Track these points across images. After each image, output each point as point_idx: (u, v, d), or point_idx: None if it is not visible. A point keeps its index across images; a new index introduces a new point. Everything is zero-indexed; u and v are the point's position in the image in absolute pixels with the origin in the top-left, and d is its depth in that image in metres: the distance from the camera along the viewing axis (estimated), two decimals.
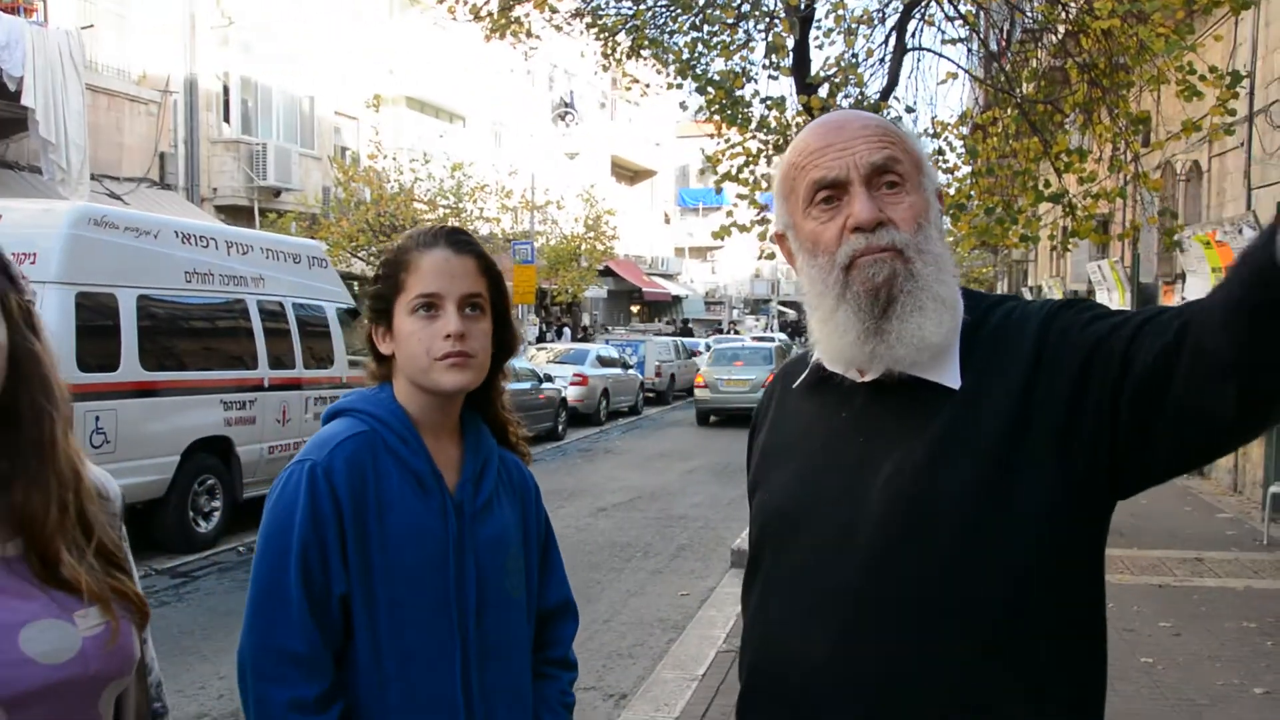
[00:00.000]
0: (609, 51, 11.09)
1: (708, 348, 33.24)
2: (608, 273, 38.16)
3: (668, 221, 53.70)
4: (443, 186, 24.20)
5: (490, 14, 10.27)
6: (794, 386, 1.70)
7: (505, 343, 1.92)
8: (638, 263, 45.29)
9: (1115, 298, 17.23)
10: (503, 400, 2.01)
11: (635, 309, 45.01)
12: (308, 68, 23.97)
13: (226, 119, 22.22)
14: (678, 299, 49.68)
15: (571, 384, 20.14)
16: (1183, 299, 13.89)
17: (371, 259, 22.98)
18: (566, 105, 35.16)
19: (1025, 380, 1.44)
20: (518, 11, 10.40)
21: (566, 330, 32.18)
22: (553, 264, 30.53)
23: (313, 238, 17.26)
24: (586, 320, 38.76)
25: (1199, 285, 13.20)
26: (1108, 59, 10.06)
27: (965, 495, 1.42)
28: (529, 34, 10.94)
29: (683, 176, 60.98)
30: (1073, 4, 10.03)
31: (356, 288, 21.94)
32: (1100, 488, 1.44)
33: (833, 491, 1.53)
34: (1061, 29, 10.26)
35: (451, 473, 1.87)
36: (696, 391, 21.95)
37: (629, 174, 47.12)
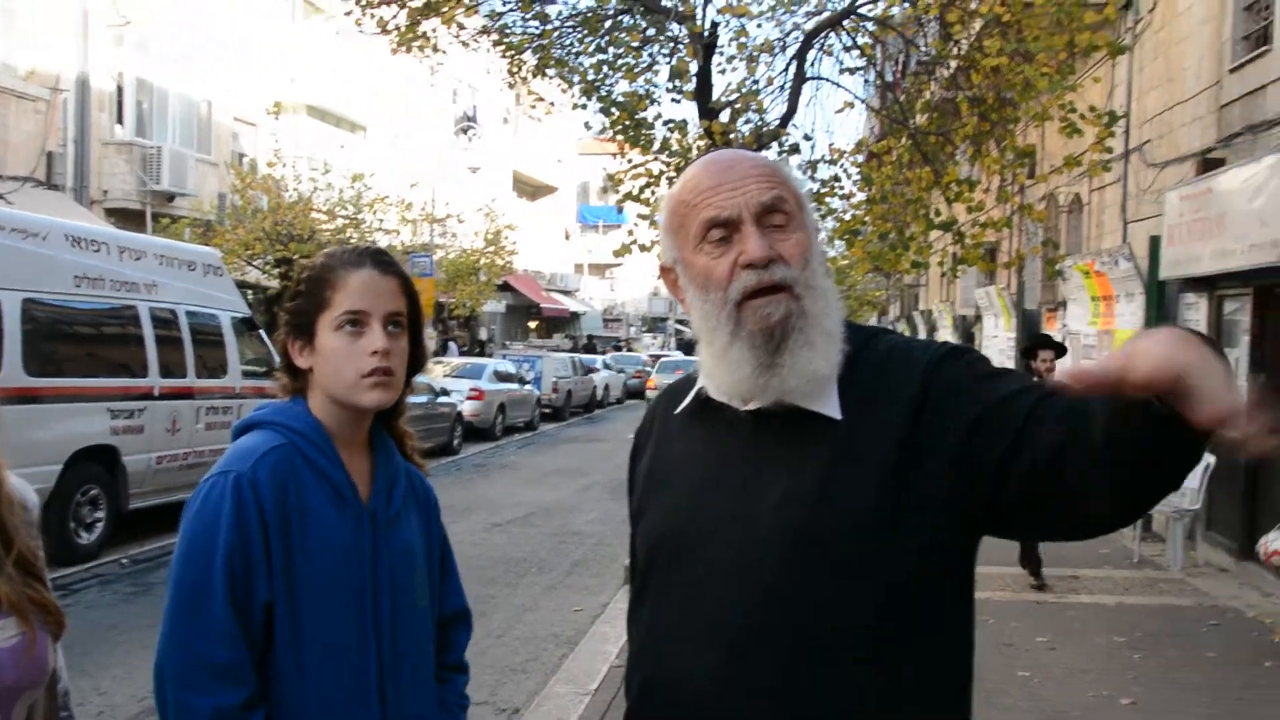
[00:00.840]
0: (515, 69, 11.14)
1: (606, 365, 33.44)
2: (506, 288, 38.05)
3: (568, 238, 53.79)
4: (342, 196, 23.91)
5: (398, 28, 10.25)
6: (676, 413, 1.74)
7: (416, 359, 1.98)
8: (537, 278, 45.24)
9: (1001, 323, 17.81)
10: (404, 415, 2.08)
11: (533, 324, 44.93)
12: (207, 71, 23.50)
13: (120, 120, 21.65)
14: (576, 315, 49.75)
15: (468, 398, 20.05)
16: (1064, 326, 14.45)
17: (268, 268, 22.58)
18: (469, 119, 35.02)
19: (910, 419, 1.52)
20: (425, 27, 10.39)
21: (452, 345, 31.85)
22: (451, 278, 30.35)
23: (207, 245, 16.91)
24: (484, 335, 38.57)
25: (1079, 313, 13.76)
26: (996, 94, 10.44)
27: (849, 523, 1.49)
28: (435, 49, 10.94)
29: (584, 193, 61.14)
30: (964, 41, 10.39)
31: (251, 296, 21.57)
32: (974, 530, 1.56)
33: (721, 517, 1.58)
34: (953, 64, 10.61)
35: (364, 484, 1.93)
36: (648, 393, 26.21)
37: (530, 189, 47.08)
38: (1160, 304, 11.08)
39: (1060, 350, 9.37)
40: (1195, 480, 9.45)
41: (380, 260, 1.92)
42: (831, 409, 1.56)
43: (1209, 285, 10.08)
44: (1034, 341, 9.71)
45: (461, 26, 10.84)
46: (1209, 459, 9.49)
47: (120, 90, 21.63)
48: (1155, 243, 10.84)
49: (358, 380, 1.84)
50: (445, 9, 10.27)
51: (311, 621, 1.80)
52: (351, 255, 1.92)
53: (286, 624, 1.80)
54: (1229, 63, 9.89)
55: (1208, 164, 10.09)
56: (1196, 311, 10.47)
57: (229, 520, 1.76)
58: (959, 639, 1.60)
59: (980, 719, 1.67)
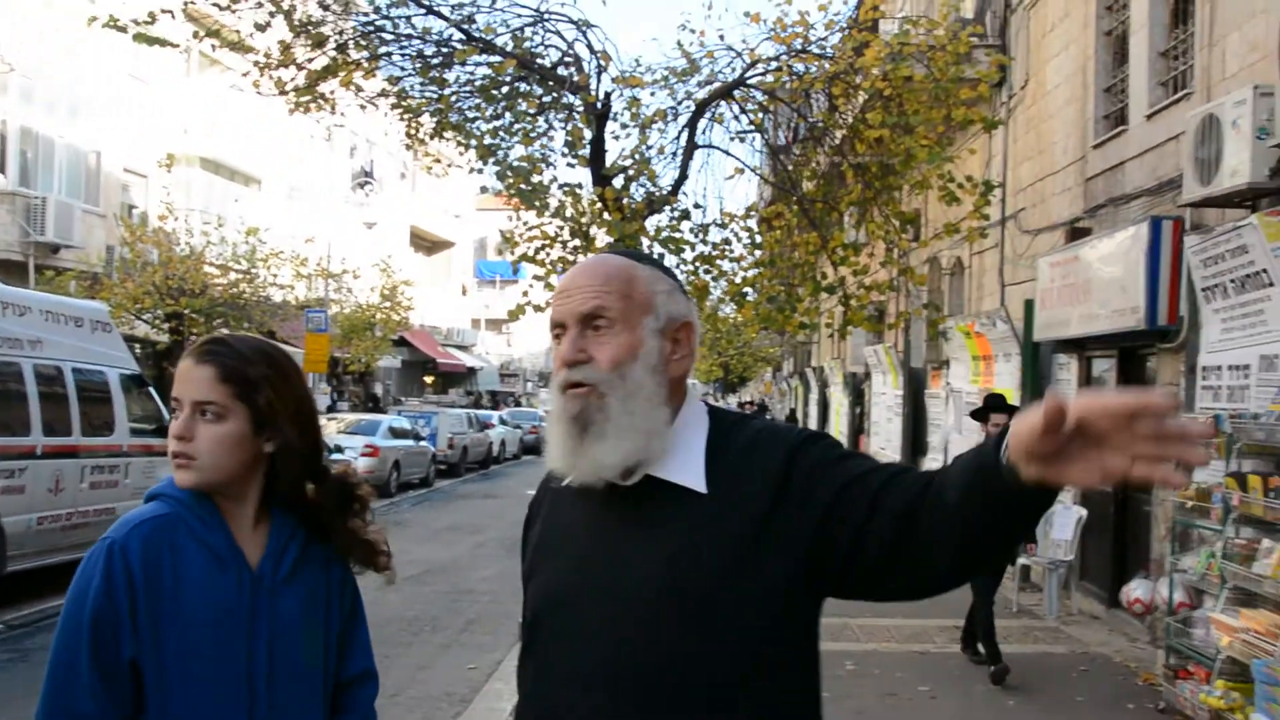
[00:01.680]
0: (413, 131, 11.27)
1: (502, 421, 33.39)
2: (402, 343, 37.81)
3: (465, 293, 53.69)
4: (236, 251, 23.64)
5: (296, 88, 10.33)
6: (563, 486, 1.93)
7: (290, 445, 2.06)
8: (433, 333, 45.03)
9: (889, 380, 18.37)
10: (323, 496, 2.16)
11: (429, 380, 44.62)
12: (96, 122, 23.13)
13: (2, 170, 21.17)
14: (473, 370, 49.54)
15: (362, 455, 19.85)
16: (947, 384, 14.98)
17: (158, 322, 22.16)
18: (366, 174, 34.93)
19: (774, 495, 1.73)
20: (323, 87, 10.49)
21: (340, 401, 31.38)
22: (347, 333, 30.10)
23: (94, 298, 16.59)
24: (379, 390, 38.19)
25: (961, 371, 14.29)
26: (879, 163, 10.91)
27: (711, 588, 1.71)
28: (334, 110, 11.03)
29: (481, 249, 61.17)
30: (849, 112, 10.84)
31: (140, 351, 21.16)
32: (824, 593, 1.78)
33: (601, 580, 1.77)
34: (839, 133, 11.05)
35: (256, 547, 2.06)
36: None
37: (427, 245, 47.00)
38: (1035, 364, 11.62)
39: (1015, 412, 8.63)
40: (1069, 533, 9.90)
41: (204, 351, 2.05)
42: (697, 483, 1.77)
43: (1079, 346, 10.62)
44: (989, 403, 8.62)
45: (359, 89, 10.96)
46: (1082, 512, 9.97)
47: (3, 139, 21.16)
48: (1029, 306, 11.39)
49: (171, 458, 2.02)
50: (343, 72, 10.39)
51: (180, 680, 1.93)
52: (194, 344, 2.10)
53: (155, 686, 1.93)
54: (1092, 139, 10.52)
55: (1076, 232, 10.67)
56: (1068, 371, 11.01)
57: (99, 584, 1.92)
58: (807, 688, 1.82)
59: None
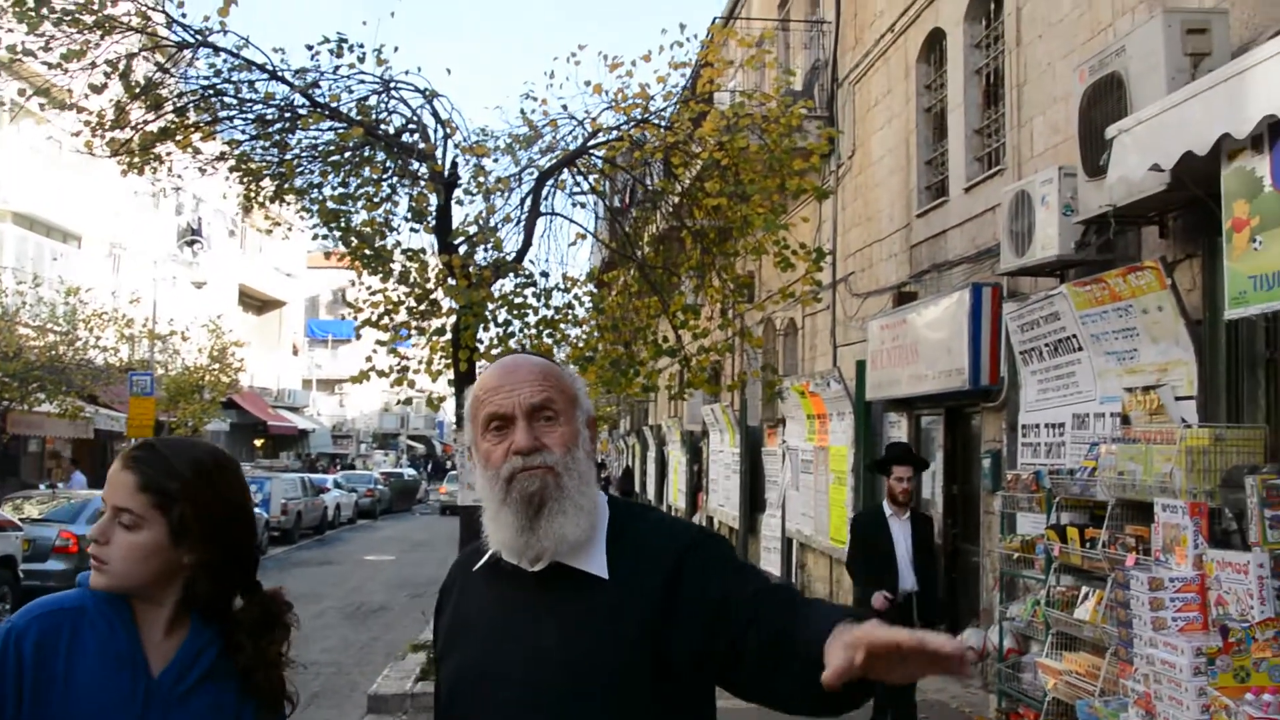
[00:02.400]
0: (252, 194, 11.10)
1: (337, 484, 32.61)
2: (231, 405, 36.63)
3: (296, 353, 52.39)
4: (55, 311, 22.59)
5: (130, 150, 10.08)
6: (474, 571, 2.06)
7: (209, 560, 2.05)
8: (264, 395, 43.76)
9: (726, 438, 18.77)
10: (245, 612, 2.13)
11: (259, 443, 43.27)
12: None
13: None
14: (305, 433, 48.30)
15: None
16: (784, 442, 15.42)
17: None
18: (194, 232, 33.92)
19: (667, 587, 1.86)
20: (160, 149, 10.27)
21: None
22: (173, 396, 28.97)
23: None
24: None
25: (797, 430, 14.75)
26: (717, 230, 11.29)
27: (614, 669, 1.84)
28: (170, 171, 10.81)
29: (313, 307, 59.95)
30: (686, 179, 11.21)
31: None
32: (715, 680, 1.91)
33: (512, 661, 1.90)
34: (674, 199, 11.41)
35: (163, 655, 2.03)
36: (443, 496, 33.58)
37: (257, 304, 45.79)
38: (868, 422, 12.11)
39: (921, 464, 8.35)
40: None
41: (130, 456, 2.05)
42: (599, 569, 1.91)
43: (909, 405, 11.15)
44: (891, 454, 8.09)
45: (197, 151, 10.78)
46: None
47: None
48: (861, 367, 11.90)
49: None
50: (180, 135, 10.21)
51: None
52: (128, 448, 2.12)
53: None
54: (916, 208, 11.14)
55: (903, 296, 11.24)
56: (899, 429, 11.52)
57: None
58: None
59: None
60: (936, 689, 9.31)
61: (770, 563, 15.70)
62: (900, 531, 7.54)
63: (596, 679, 1.83)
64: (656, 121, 10.76)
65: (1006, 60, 9.27)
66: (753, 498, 17.42)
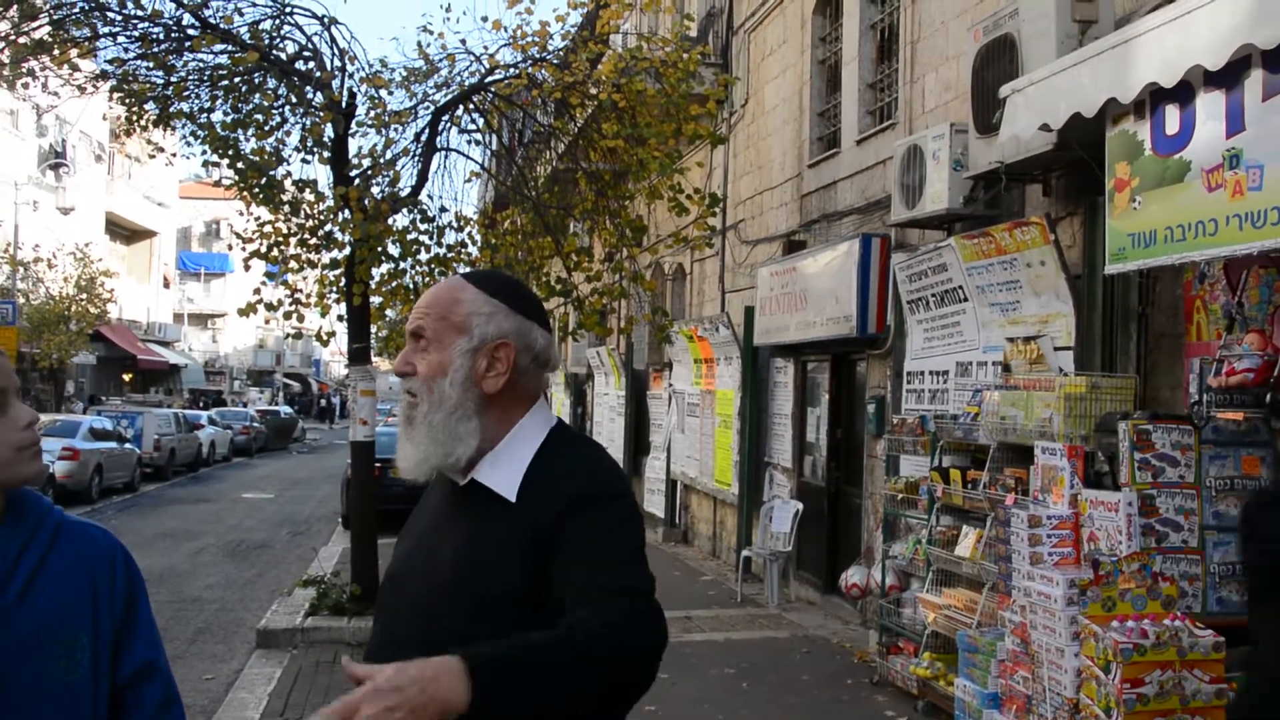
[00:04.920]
0: (135, 117, 10.71)
1: (212, 421, 31.88)
2: (99, 338, 35.38)
3: (168, 285, 50.74)
4: None
5: (1, 63, 9.62)
6: (434, 481, 2.17)
7: None
8: (133, 328, 42.35)
9: (612, 381, 18.95)
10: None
11: (128, 377, 41.93)
12: None
13: None
14: (176, 368, 46.93)
15: (60, 458, 18.55)
16: (670, 385, 15.65)
17: None
18: (58, 155, 32.50)
19: (553, 523, 1.89)
20: (34, 64, 9.79)
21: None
22: (37, 326, 27.89)
23: None
24: (71, 389, 35.54)
25: (684, 374, 14.99)
26: (612, 172, 11.33)
27: (489, 586, 1.90)
28: (45, 88, 10.35)
29: (185, 239, 58.05)
30: (581, 118, 11.19)
31: None
32: None
33: (420, 564, 2.04)
34: (567, 140, 11.38)
35: None
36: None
37: (126, 234, 44.14)
38: (754, 368, 12.39)
39: None
40: (786, 525, 10.66)
41: None
42: (509, 492, 1.99)
43: (795, 352, 11.44)
44: None
45: (75, 69, 10.34)
46: (798, 506, 10.75)
47: None
48: (750, 313, 12.14)
49: (16, 454, 1.94)
50: (58, 50, 9.77)
51: None
52: None
53: None
54: (808, 159, 11.35)
55: (792, 245, 11.49)
56: (785, 375, 11.82)
57: None
58: None
59: None
60: (818, 625, 9.68)
61: (655, 505, 15.99)
62: None
63: (475, 594, 1.91)
64: (554, 60, 10.72)
65: (901, 17, 9.48)
66: (637, 440, 17.65)
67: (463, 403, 2.00)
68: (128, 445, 22.46)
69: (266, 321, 58.64)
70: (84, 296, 29.49)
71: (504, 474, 2.00)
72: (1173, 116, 4.83)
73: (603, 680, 1.77)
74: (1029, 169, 6.85)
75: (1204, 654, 4.56)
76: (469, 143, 11.55)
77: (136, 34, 9.93)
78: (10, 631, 1.89)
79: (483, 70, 10.51)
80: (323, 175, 10.40)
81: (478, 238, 11.51)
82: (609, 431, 19.18)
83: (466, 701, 1.64)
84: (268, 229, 10.34)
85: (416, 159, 10.44)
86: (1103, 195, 5.49)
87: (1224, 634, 4.58)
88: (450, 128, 10.89)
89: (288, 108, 10.12)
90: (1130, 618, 4.72)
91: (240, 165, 10.01)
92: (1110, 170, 5.36)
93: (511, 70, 10.59)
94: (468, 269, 11.22)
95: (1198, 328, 5.77)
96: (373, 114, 9.84)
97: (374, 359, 11.23)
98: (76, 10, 9.78)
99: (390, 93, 10.27)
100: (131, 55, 10.09)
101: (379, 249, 9.56)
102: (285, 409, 47.13)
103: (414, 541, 2.11)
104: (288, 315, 10.42)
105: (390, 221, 9.88)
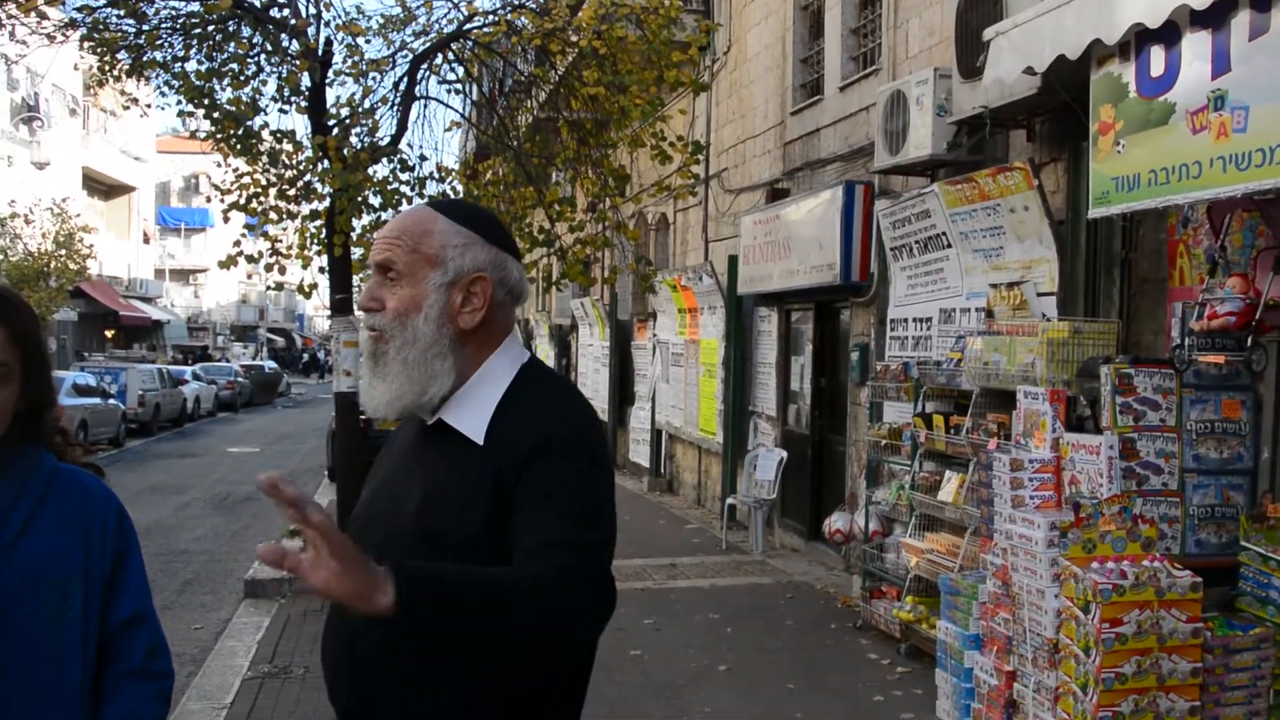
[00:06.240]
0: (107, 68, 10.55)
1: (196, 376, 31.77)
2: (80, 294, 35.10)
3: (148, 241, 50.30)
4: None
5: None
6: (402, 421, 2.11)
7: (44, 400, 2.07)
8: (114, 284, 42.03)
9: (596, 332, 18.93)
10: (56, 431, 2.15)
11: (110, 334, 41.66)
12: None
13: None
14: (159, 324, 46.64)
15: None
16: (654, 335, 15.64)
17: None
18: (30, 109, 32.05)
19: (517, 469, 1.81)
20: None
21: None
22: (16, 283, 27.62)
23: None
24: (53, 346, 35.33)
25: (668, 324, 14.98)
26: (594, 121, 11.24)
27: (450, 531, 1.82)
28: (13, 36, 10.18)
29: (164, 194, 57.44)
30: (561, 65, 11.08)
31: None
32: None
33: (384, 507, 1.97)
34: (548, 88, 11.28)
35: None
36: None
37: (104, 189, 43.63)
38: (738, 316, 12.38)
39: None
40: (771, 473, 10.71)
41: None
42: (476, 434, 1.89)
43: (779, 300, 11.43)
44: None
45: (44, 17, 10.17)
46: (782, 454, 10.79)
47: None
48: (733, 262, 12.11)
49: None
50: None
51: None
52: None
53: None
54: (791, 106, 11.27)
55: (775, 193, 11.43)
56: (769, 323, 11.82)
57: None
58: None
59: (599, 694, 2.08)
60: (802, 572, 9.76)
61: (640, 454, 16.05)
62: None
63: (435, 539, 1.84)
64: (533, 7, 10.59)
65: None
66: (622, 390, 17.67)
67: (438, 340, 1.91)
68: (112, 401, 22.38)
69: (249, 276, 58.32)
70: (63, 253, 29.18)
71: (471, 415, 1.91)
72: (1158, 58, 4.80)
73: (521, 634, 1.67)
74: (1013, 113, 6.82)
75: (1181, 594, 4.61)
76: (449, 92, 11.44)
77: None
78: (5, 571, 1.95)
79: (461, 17, 10.38)
80: (300, 125, 10.25)
81: (459, 188, 11.41)
82: (594, 382, 19.19)
83: (387, 606, 1.56)
84: (246, 180, 10.24)
85: (395, 108, 10.33)
86: (1087, 140, 5.47)
87: (1201, 575, 4.64)
88: (429, 76, 10.77)
89: (263, 56, 9.98)
90: (1110, 559, 4.77)
91: (216, 115, 9.91)
92: (1094, 113, 5.34)
93: (490, 17, 10.47)
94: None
95: (1180, 272, 5.78)
96: (350, 62, 9.71)
97: (356, 311, 11.18)
98: None
99: (368, 40, 10.15)
100: (101, 2, 9.92)
101: (359, 199, 9.48)
102: (269, 364, 46.99)
103: (380, 483, 2.04)
104: (269, 268, 10.34)
105: (370, 171, 9.79)
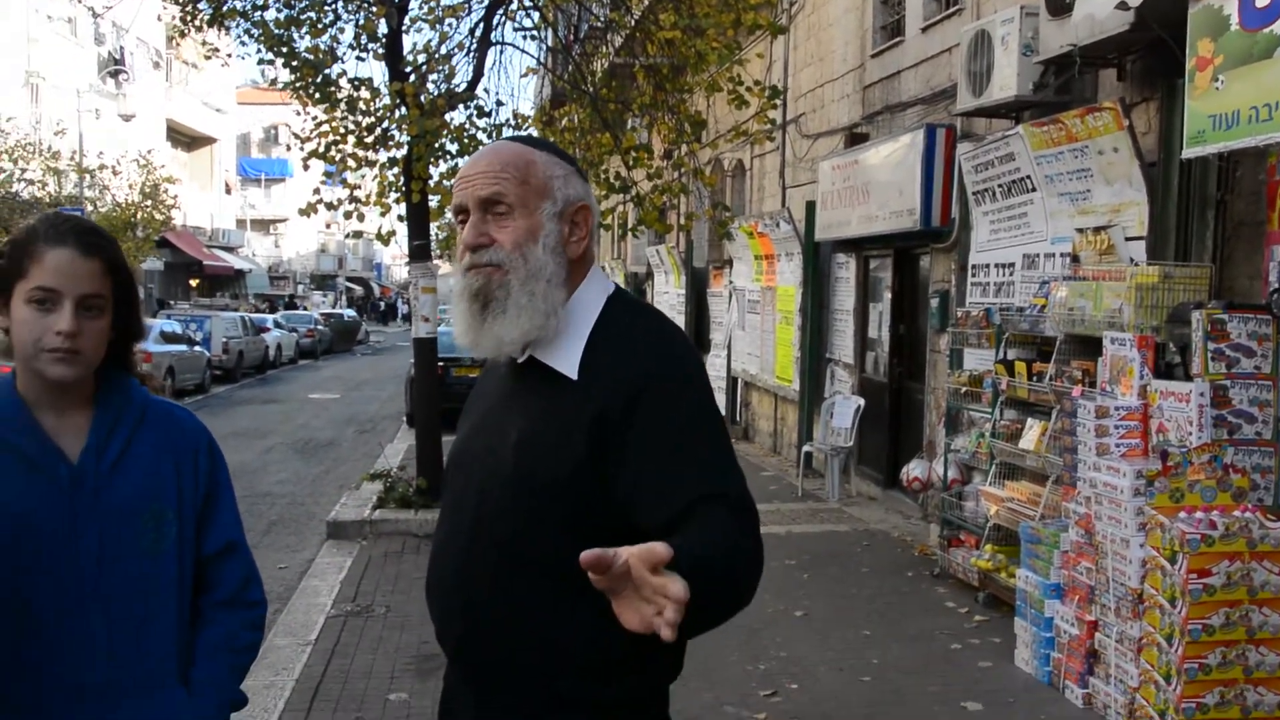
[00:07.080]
0: (189, 17, 10.68)
1: (277, 324, 32.37)
2: (165, 244, 35.88)
3: (229, 192, 51.20)
4: None
5: None
6: (488, 363, 2.10)
7: (132, 331, 2.11)
8: (198, 234, 42.90)
9: (672, 279, 18.88)
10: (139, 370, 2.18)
11: (194, 282, 42.58)
12: None
13: None
14: (241, 273, 47.58)
15: None
16: (730, 282, 15.56)
17: None
18: (117, 62, 32.62)
19: (625, 404, 1.78)
20: None
21: None
22: None
23: None
24: (141, 294, 36.14)
25: (744, 270, 14.88)
26: (670, 65, 11.13)
27: (551, 471, 1.80)
28: None
29: (245, 145, 58.32)
30: (637, 10, 10.97)
31: None
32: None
33: (481, 448, 1.96)
34: (625, 32, 11.17)
35: (78, 441, 2.02)
36: None
37: (187, 140, 44.43)
38: (815, 263, 12.25)
39: None
40: (848, 421, 10.63)
41: (85, 241, 1.98)
42: (570, 370, 1.86)
43: (857, 247, 11.27)
44: None
45: None
46: (860, 401, 10.70)
47: None
48: (811, 208, 11.96)
49: (39, 353, 1.93)
50: None
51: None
52: (55, 230, 1.98)
53: None
54: (870, 49, 11.04)
55: (855, 138, 11.24)
56: (847, 270, 11.68)
57: None
58: None
59: None
60: (879, 520, 9.71)
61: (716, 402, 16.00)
62: None
63: (535, 476, 1.83)
64: None
65: None
66: (698, 338, 17.62)
67: (557, 270, 1.88)
68: (197, 348, 22.90)
69: (328, 225, 59.07)
70: (149, 203, 29.79)
71: (564, 350, 1.88)
72: None
73: (733, 601, 1.68)
74: (1103, 52, 6.59)
75: (1274, 546, 4.50)
76: (525, 38, 11.41)
77: None
78: (104, 499, 2.00)
79: None
80: (378, 72, 10.27)
81: (536, 135, 11.38)
82: None
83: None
84: (325, 128, 10.32)
85: (471, 54, 10.33)
86: (1181, 77, 5.29)
87: None
88: (505, 22, 10.75)
89: (341, 3, 10.04)
90: (1199, 509, 4.66)
91: (295, 64, 10.00)
92: (1192, 48, 5.15)
93: None
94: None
95: None
96: (426, 8, 9.72)
97: (434, 259, 11.26)
98: None
99: None
100: None
101: (437, 146, 9.51)
102: (349, 312, 47.71)
103: (475, 425, 2.02)
104: (348, 215, 10.43)
105: (447, 118, 9.81)
